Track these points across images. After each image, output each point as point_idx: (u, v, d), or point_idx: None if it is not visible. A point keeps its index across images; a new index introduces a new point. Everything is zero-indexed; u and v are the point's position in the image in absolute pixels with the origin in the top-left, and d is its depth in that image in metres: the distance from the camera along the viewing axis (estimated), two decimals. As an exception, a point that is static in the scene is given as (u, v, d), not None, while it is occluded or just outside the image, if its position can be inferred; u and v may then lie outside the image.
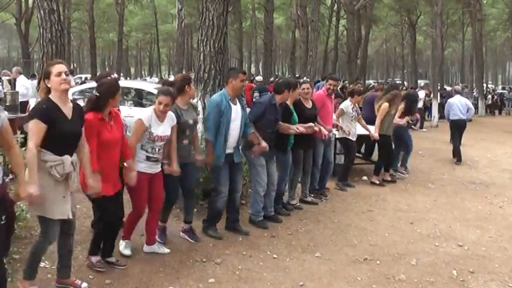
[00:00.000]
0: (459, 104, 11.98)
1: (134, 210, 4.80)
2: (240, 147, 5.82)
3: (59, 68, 3.70)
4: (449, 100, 12.65)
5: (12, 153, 3.45)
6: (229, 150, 5.57)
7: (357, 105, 8.53)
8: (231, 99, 5.50)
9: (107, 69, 59.10)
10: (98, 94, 4.18)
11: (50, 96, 3.73)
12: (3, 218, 3.37)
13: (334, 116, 7.96)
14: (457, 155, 11.88)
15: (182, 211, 5.68)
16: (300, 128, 6.35)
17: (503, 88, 39.62)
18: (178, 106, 5.11)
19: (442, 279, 4.87)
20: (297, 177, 7.10)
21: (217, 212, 5.68)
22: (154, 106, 4.74)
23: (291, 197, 7.09)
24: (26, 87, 10.71)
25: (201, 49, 7.31)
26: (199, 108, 7.03)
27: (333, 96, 7.80)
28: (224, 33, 7.36)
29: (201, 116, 6.79)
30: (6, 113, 3.45)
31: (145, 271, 4.59)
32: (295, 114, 6.63)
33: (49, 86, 3.72)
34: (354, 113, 8.41)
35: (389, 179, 9.12)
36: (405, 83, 37.64)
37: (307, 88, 7.10)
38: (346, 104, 8.41)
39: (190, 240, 5.45)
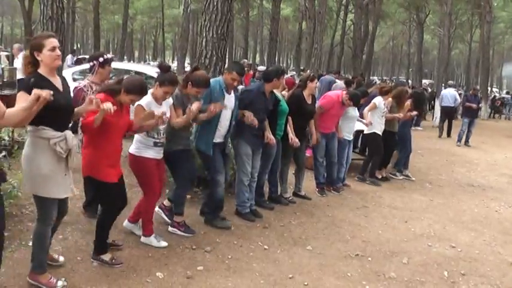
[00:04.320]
0: (449, 95, 16.59)
1: (150, 197, 4.75)
2: (229, 138, 5.73)
3: (53, 42, 3.51)
4: (442, 91, 17.77)
5: (5, 117, 3.08)
6: (219, 139, 5.49)
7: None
8: (225, 87, 5.43)
9: (111, 52, 58.89)
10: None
11: (38, 70, 3.51)
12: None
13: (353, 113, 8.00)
14: (440, 132, 16.86)
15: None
16: (269, 140, 6.09)
17: (507, 93, 39.50)
18: (187, 94, 5.05)
19: (432, 280, 4.83)
20: (286, 169, 7.02)
21: (219, 201, 5.60)
22: (152, 90, 4.66)
23: (283, 190, 7.00)
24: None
25: (204, 34, 7.22)
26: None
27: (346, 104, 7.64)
28: (228, 20, 7.27)
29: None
30: None
31: (134, 256, 4.54)
32: (283, 103, 6.43)
33: (39, 59, 3.49)
34: (384, 109, 8.52)
35: (384, 175, 9.10)
36: (409, 81, 37.45)
37: (316, 83, 7.11)
38: (379, 100, 8.51)
39: (186, 235, 5.19)
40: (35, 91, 3.03)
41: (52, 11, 7.82)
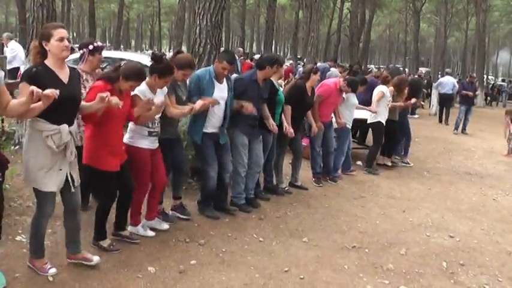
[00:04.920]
0: (448, 82, 17.26)
1: (141, 188, 4.65)
2: (225, 128, 5.62)
3: (62, 32, 3.50)
4: (440, 79, 18.47)
5: (8, 108, 3.29)
6: (212, 130, 5.39)
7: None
8: (215, 76, 5.32)
9: (107, 41, 58.51)
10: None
11: (45, 61, 3.52)
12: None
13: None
14: (439, 118, 17.40)
15: (170, 188, 5.47)
16: (274, 127, 6.08)
17: (503, 80, 39.54)
18: (176, 80, 4.94)
19: (431, 271, 4.74)
20: (281, 159, 6.91)
21: (209, 192, 5.53)
22: (147, 79, 4.54)
23: (279, 181, 6.89)
24: (16, 51, 10.38)
25: (197, 22, 7.05)
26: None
27: (343, 92, 7.59)
28: (222, 7, 7.10)
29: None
30: (2, 72, 3.36)
31: (126, 249, 4.41)
32: (281, 93, 6.39)
33: (47, 48, 3.49)
34: (390, 97, 8.48)
35: (389, 164, 9.07)
36: (406, 70, 37.35)
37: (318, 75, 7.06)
38: (386, 89, 8.46)
39: (182, 216, 5.32)
40: (31, 88, 3.09)
41: (43, -3, 7.63)
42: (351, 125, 8.00)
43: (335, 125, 7.72)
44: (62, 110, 3.48)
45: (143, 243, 4.58)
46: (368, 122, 8.66)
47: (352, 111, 7.97)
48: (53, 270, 3.81)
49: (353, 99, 7.86)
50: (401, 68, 34.12)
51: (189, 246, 4.67)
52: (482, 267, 4.96)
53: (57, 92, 3.20)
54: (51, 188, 3.61)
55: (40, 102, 3.18)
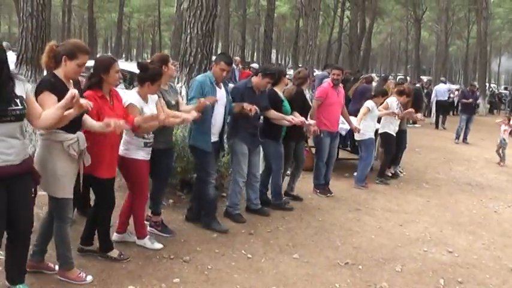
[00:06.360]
0: (442, 90, 18.62)
1: (142, 200, 4.61)
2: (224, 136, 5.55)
3: (85, 59, 3.63)
4: (436, 87, 19.57)
5: (42, 118, 3.28)
6: (214, 138, 5.29)
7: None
8: (215, 81, 5.23)
9: (109, 51, 58.57)
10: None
11: (55, 72, 3.60)
12: (33, 191, 3.37)
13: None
14: (435, 125, 18.32)
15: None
16: (294, 119, 6.01)
17: (505, 88, 39.40)
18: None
19: (427, 289, 4.52)
20: (285, 171, 6.74)
21: (211, 202, 5.38)
22: (137, 89, 4.51)
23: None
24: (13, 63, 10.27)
25: (188, 31, 6.93)
26: (183, 93, 6.67)
27: (340, 87, 7.50)
28: (213, 16, 6.97)
29: (184, 101, 6.41)
30: (29, 85, 3.39)
31: (106, 267, 4.21)
32: (286, 103, 6.31)
33: (63, 63, 3.57)
34: (397, 109, 8.41)
35: (389, 174, 8.97)
36: (408, 78, 37.23)
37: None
38: (392, 100, 8.44)
39: (163, 234, 5.06)
40: (72, 91, 3.18)
41: (32, 7, 7.50)
42: (372, 135, 8.03)
43: (356, 136, 7.97)
44: (75, 119, 3.52)
45: (125, 261, 4.37)
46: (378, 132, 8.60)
47: (375, 121, 8.02)
48: (90, 277, 3.90)
49: (375, 110, 7.95)
50: (404, 77, 34.10)
51: (173, 263, 4.46)
52: (481, 285, 4.74)
53: (91, 104, 3.37)
54: (71, 194, 3.73)
55: (71, 110, 3.24)
